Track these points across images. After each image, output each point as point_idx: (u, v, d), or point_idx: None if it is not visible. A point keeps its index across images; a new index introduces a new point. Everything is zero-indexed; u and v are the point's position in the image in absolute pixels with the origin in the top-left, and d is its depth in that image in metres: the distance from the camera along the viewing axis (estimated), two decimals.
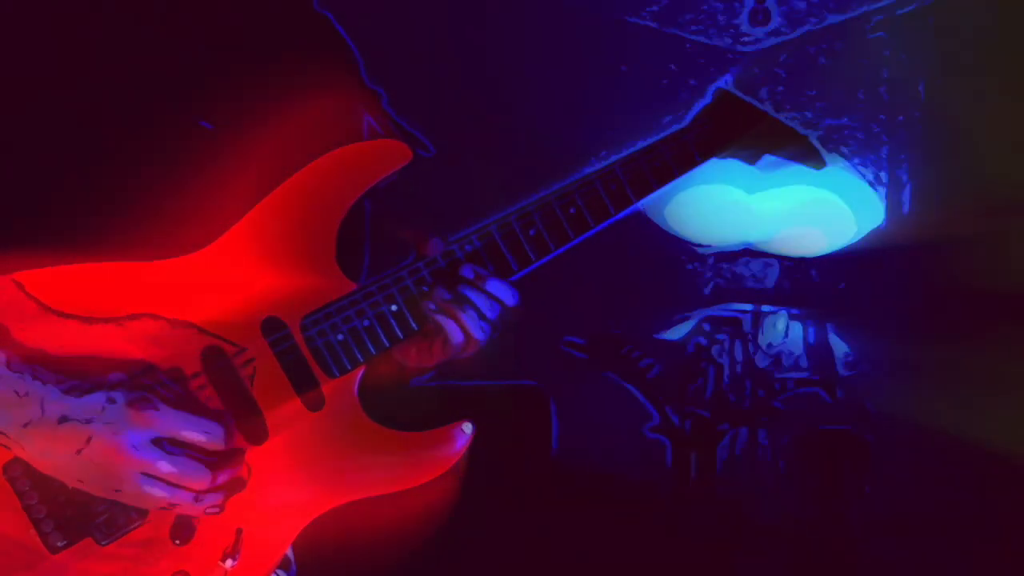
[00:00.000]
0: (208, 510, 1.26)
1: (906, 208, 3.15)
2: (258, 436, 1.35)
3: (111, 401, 1.19)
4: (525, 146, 2.85)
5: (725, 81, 1.69)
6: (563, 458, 2.94)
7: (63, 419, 1.18)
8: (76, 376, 1.20)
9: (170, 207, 1.37)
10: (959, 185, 2.96)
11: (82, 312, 1.27)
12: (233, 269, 1.36)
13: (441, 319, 1.42)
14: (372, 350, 1.41)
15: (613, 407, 3.24)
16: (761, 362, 3.27)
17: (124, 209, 1.34)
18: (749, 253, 3.35)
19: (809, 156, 1.73)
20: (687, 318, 3.39)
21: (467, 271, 1.44)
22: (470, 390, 1.85)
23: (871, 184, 3.13)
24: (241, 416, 1.33)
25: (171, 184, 1.38)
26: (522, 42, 2.97)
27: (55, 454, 1.20)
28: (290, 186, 1.40)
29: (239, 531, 1.32)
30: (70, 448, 1.18)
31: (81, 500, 1.25)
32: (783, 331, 3.29)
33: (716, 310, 3.33)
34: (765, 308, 3.30)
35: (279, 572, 1.41)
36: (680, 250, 3.24)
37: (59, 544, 1.25)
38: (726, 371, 3.29)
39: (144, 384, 1.23)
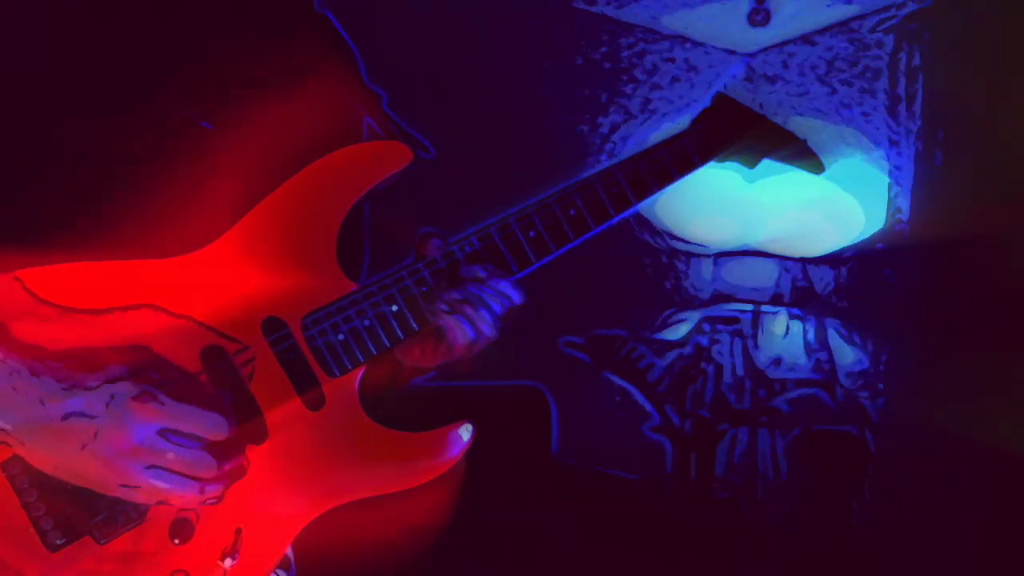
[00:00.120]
0: (207, 500, 1.27)
1: (906, 215, 3.15)
2: (258, 435, 1.36)
3: (115, 395, 1.19)
4: (526, 148, 2.85)
5: (724, 85, 1.69)
6: (563, 458, 2.94)
7: (67, 415, 1.18)
8: (79, 372, 1.21)
9: (171, 206, 1.37)
10: (964, 185, 2.95)
11: (83, 310, 1.28)
12: (234, 268, 1.37)
13: (453, 319, 1.43)
14: (372, 350, 1.42)
15: (613, 407, 3.24)
16: (761, 362, 3.27)
17: (125, 208, 1.34)
18: (750, 253, 3.35)
19: (807, 160, 1.74)
20: (687, 318, 3.39)
21: (479, 270, 1.45)
22: (470, 390, 1.85)
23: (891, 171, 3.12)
24: (241, 415, 1.34)
25: (172, 184, 1.38)
26: (523, 42, 2.97)
27: (59, 450, 1.20)
28: (291, 186, 1.40)
29: (238, 530, 1.32)
30: (75, 444, 1.19)
31: (80, 498, 1.25)
32: (783, 331, 3.29)
33: (716, 310, 3.34)
34: (765, 308, 3.30)
35: (279, 572, 1.41)
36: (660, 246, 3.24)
37: (58, 542, 1.25)
38: (726, 371, 3.29)
39: (147, 377, 1.23)
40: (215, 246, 1.37)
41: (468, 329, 1.44)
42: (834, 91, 3.10)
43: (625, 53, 3.29)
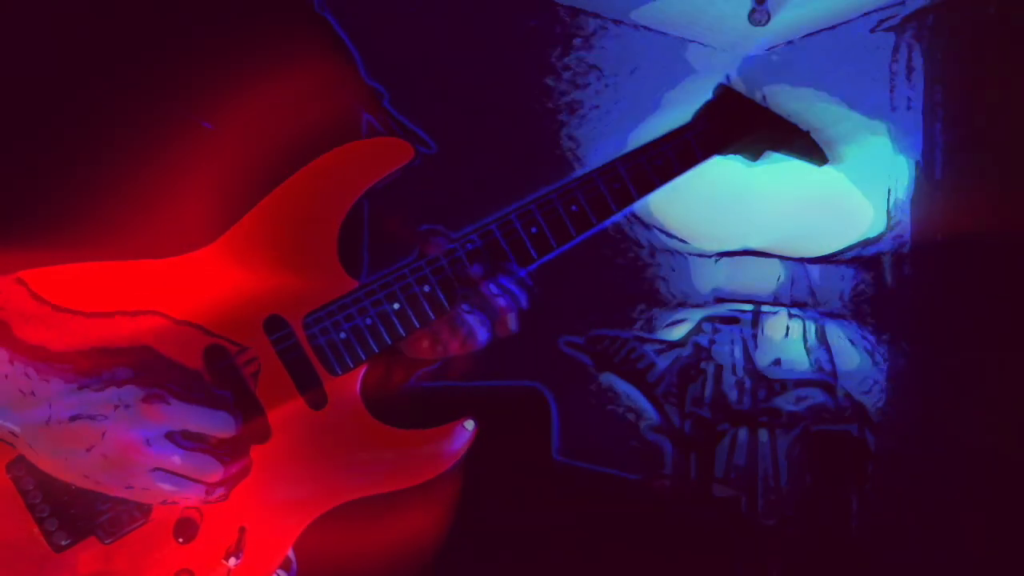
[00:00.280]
0: (213, 500, 1.27)
1: (906, 216, 3.16)
2: (261, 434, 1.35)
3: (123, 397, 1.19)
4: (527, 144, 2.86)
5: (728, 78, 1.69)
6: (563, 458, 2.94)
7: (75, 417, 1.18)
8: (85, 373, 1.21)
9: (171, 206, 1.37)
10: (968, 184, 2.96)
11: (85, 311, 1.27)
12: (235, 268, 1.36)
13: (473, 316, 1.44)
14: (374, 348, 1.42)
15: (613, 407, 3.25)
16: (761, 362, 3.28)
17: (127, 208, 1.34)
18: (750, 253, 3.36)
19: (811, 153, 1.73)
20: (687, 318, 3.39)
21: (479, 268, 1.45)
22: (470, 390, 1.85)
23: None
24: (244, 415, 1.34)
25: (172, 183, 1.38)
26: (524, 41, 2.97)
27: (65, 452, 1.20)
28: (291, 184, 1.40)
29: (242, 529, 1.32)
30: (81, 445, 1.18)
31: (85, 499, 1.25)
32: (783, 331, 3.30)
33: (716, 310, 3.34)
34: (765, 308, 3.30)
35: (280, 572, 1.40)
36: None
37: (63, 543, 1.25)
38: (726, 371, 3.29)
39: (153, 379, 1.23)
40: (216, 246, 1.37)
41: (488, 328, 1.46)
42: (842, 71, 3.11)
43: (629, 53, 3.30)
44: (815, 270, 3.34)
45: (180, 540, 1.29)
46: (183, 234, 1.36)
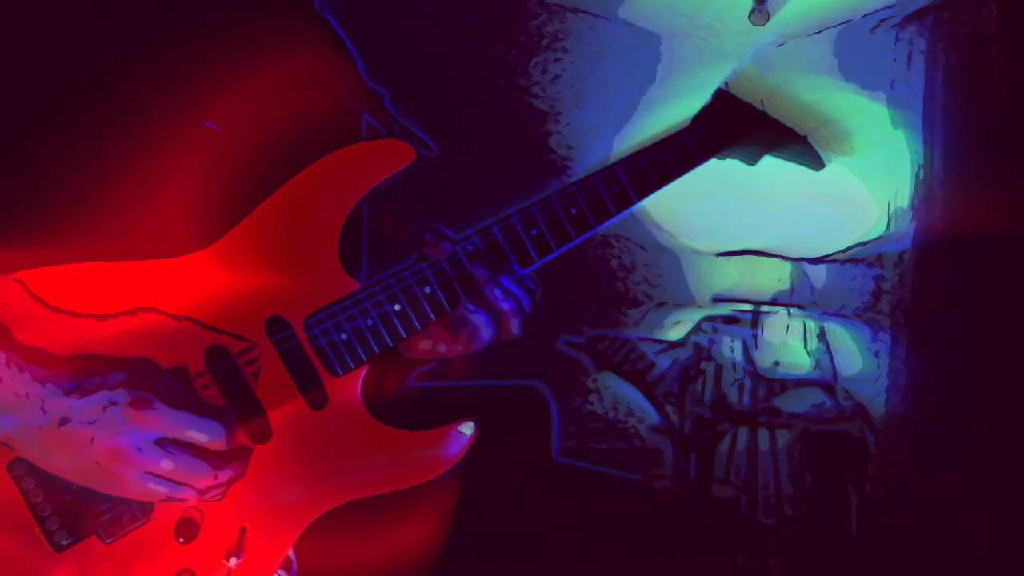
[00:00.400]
0: (208, 500, 1.27)
1: (908, 217, 3.16)
2: (261, 435, 1.36)
3: (113, 402, 1.19)
4: (528, 146, 2.86)
5: (725, 82, 1.69)
6: (563, 458, 2.94)
7: (64, 421, 1.18)
8: (77, 377, 1.21)
9: (173, 206, 1.38)
10: (969, 184, 2.96)
11: (86, 311, 1.28)
12: (236, 268, 1.37)
13: (478, 317, 1.44)
14: (375, 349, 1.42)
15: (613, 407, 3.25)
16: (761, 362, 3.28)
17: (128, 208, 1.34)
18: (750, 253, 3.35)
19: (808, 157, 1.74)
20: (687, 318, 3.39)
21: (483, 271, 1.46)
22: (470, 390, 1.85)
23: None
24: (244, 415, 1.34)
25: (174, 184, 1.38)
26: (526, 42, 2.97)
27: (57, 455, 1.20)
28: (293, 186, 1.41)
29: (243, 529, 1.32)
30: (72, 449, 1.19)
31: (86, 498, 1.25)
32: (783, 331, 3.30)
33: (716, 310, 3.34)
34: (765, 308, 3.30)
35: (280, 572, 1.41)
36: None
37: (63, 542, 1.25)
38: (726, 371, 3.29)
39: (146, 384, 1.23)
40: (217, 246, 1.37)
41: (492, 329, 1.46)
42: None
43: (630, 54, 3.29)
44: (816, 270, 3.34)
45: (181, 540, 1.30)
46: (185, 234, 1.36)
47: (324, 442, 1.39)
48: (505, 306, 1.44)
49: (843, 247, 3.33)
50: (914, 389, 3.05)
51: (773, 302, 3.32)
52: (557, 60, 3.04)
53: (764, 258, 3.31)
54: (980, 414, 2.78)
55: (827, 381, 3.27)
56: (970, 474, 2.84)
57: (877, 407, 3.16)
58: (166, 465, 1.21)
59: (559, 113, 3.07)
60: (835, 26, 3.17)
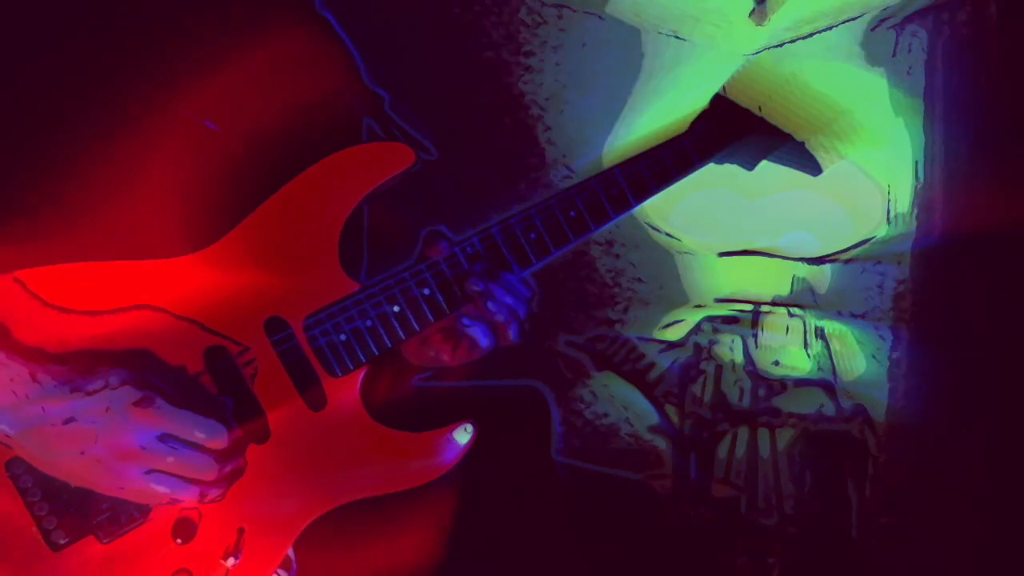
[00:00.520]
0: (209, 500, 1.28)
1: (909, 217, 3.15)
2: (260, 435, 1.36)
3: (115, 401, 1.20)
4: (527, 146, 2.86)
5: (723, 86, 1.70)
6: (563, 458, 2.95)
7: (66, 420, 1.18)
8: (79, 376, 1.21)
9: (173, 207, 1.38)
10: (970, 184, 2.96)
11: (85, 311, 1.28)
12: (236, 269, 1.37)
13: (478, 327, 1.45)
14: (374, 350, 1.42)
15: (613, 407, 3.25)
16: (761, 362, 3.27)
17: (129, 208, 1.35)
18: (750, 253, 3.35)
19: (805, 161, 1.74)
20: (687, 318, 3.39)
21: (479, 279, 1.46)
22: (470, 390, 1.85)
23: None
24: (243, 415, 1.34)
25: (174, 184, 1.38)
26: (527, 43, 2.97)
27: (59, 454, 1.20)
28: (293, 187, 1.41)
29: (241, 530, 1.32)
30: (74, 448, 1.19)
31: (83, 498, 1.25)
32: (783, 331, 3.29)
33: (716, 310, 3.33)
34: (765, 308, 3.30)
35: (280, 572, 1.41)
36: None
37: (61, 542, 1.25)
38: (726, 371, 3.29)
39: (147, 382, 1.24)
40: (217, 246, 1.37)
41: (491, 338, 1.47)
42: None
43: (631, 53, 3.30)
44: (816, 270, 3.33)
45: (179, 540, 1.30)
46: (184, 235, 1.36)
47: (323, 443, 1.39)
48: (501, 318, 1.45)
49: (844, 247, 3.32)
50: (916, 389, 3.05)
51: (773, 302, 3.32)
52: (555, 59, 3.04)
53: (764, 258, 3.30)
54: (981, 414, 2.78)
55: (827, 381, 3.26)
56: (970, 474, 2.83)
57: (878, 407, 3.16)
58: (170, 461, 1.22)
59: (556, 112, 3.07)
60: (835, 26, 3.17)
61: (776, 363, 3.26)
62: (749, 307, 3.29)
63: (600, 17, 3.11)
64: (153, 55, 1.40)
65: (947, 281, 2.97)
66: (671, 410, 3.21)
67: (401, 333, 1.44)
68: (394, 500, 1.43)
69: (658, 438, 3.20)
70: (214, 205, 1.39)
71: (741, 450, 3.21)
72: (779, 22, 3.03)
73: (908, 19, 3.03)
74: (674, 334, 3.39)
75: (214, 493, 1.28)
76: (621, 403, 3.25)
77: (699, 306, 3.35)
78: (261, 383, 1.37)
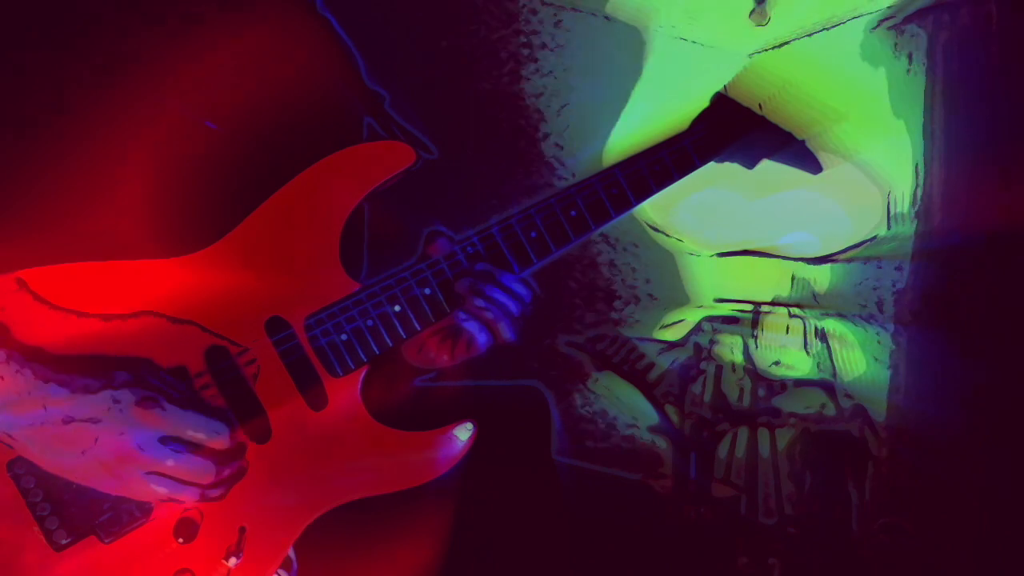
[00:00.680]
0: (209, 500, 1.28)
1: (909, 217, 3.15)
2: (261, 435, 1.36)
3: (117, 401, 1.20)
4: (526, 146, 2.86)
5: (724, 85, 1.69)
6: (563, 458, 2.94)
7: (69, 419, 1.18)
8: (80, 375, 1.21)
9: (174, 207, 1.38)
10: (970, 184, 2.95)
11: (86, 310, 1.28)
12: (237, 269, 1.37)
13: (473, 325, 1.45)
14: (375, 350, 1.42)
15: (613, 407, 3.25)
16: (761, 362, 3.27)
17: (129, 208, 1.34)
18: (750, 253, 3.35)
19: (806, 161, 1.74)
20: (687, 318, 3.39)
21: (483, 267, 1.46)
22: (470, 390, 1.85)
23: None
24: (244, 415, 1.34)
25: (174, 184, 1.38)
26: (526, 43, 2.97)
27: (60, 453, 1.21)
28: (293, 187, 1.41)
29: (242, 529, 1.32)
30: (75, 448, 1.19)
31: (85, 498, 1.25)
32: (783, 331, 3.29)
33: (716, 310, 3.34)
34: (765, 308, 3.30)
35: (280, 572, 1.41)
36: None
37: (63, 542, 1.25)
38: (726, 371, 3.29)
39: (149, 383, 1.23)
40: (218, 246, 1.37)
41: (487, 335, 1.46)
42: None
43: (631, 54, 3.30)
44: (817, 270, 3.34)
45: (180, 540, 1.30)
46: (185, 234, 1.36)
47: (324, 442, 1.39)
48: (490, 315, 1.45)
49: (844, 247, 3.32)
50: (915, 390, 3.05)
51: (773, 302, 3.32)
52: (555, 59, 3.04)
53: (764, 258, 3.31)
54: (981, 414, 2.78)
55: (827, 381, 3.26)
56: (970, 474, 2.83)
57: (878, 407, 3.16)
58: (169, 464, 1.22)
59: (555, 112, 3.07)
60: (835, 26, 3.17)
61: (776, 363, 3.26)
62: (749, 307, 3.29)
63: (600, 17, 3.12)
64: (153, 55, 1.40)
65: (947, 281, 2.97)
66: (671, 410, 3.21)
67: (402, 332, 1.44)
68: (394, 500, 1.43)
69: (658, 438, 3.20)
70: (215, 205, 1.39)
71: (741, 450, 3.21)
72: (779, 21, 3.03)
73: (908, 19, 3.03)
74: (674, 334, 3.39)
75: (215, 493, 1.28)
76: (621, 403, 3.25)
77: (699, 306, 3.35)
78: (262, 383, 1.37)
